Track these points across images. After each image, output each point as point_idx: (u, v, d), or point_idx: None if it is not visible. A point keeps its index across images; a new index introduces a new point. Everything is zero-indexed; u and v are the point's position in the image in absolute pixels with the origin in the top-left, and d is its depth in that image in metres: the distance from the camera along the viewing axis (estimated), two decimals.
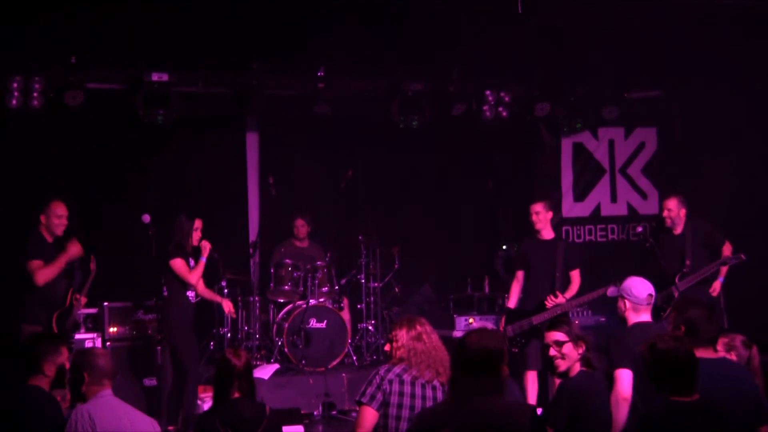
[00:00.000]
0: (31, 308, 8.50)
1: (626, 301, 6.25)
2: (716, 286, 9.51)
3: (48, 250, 8.59)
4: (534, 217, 9.56)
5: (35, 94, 9.53)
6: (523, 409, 4.40)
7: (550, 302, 9.20)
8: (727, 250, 9.54)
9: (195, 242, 9.17)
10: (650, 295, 6.25)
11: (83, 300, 8.88)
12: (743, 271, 9.51)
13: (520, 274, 9.68)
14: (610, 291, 7.56)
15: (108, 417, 5.33)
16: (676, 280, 9.39)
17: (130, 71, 10.00)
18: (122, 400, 5.57)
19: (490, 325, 6.90)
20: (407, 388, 5.55)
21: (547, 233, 9.63)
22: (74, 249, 8.66)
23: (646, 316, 6.23)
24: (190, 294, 9.13)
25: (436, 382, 5.61)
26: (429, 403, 5.50)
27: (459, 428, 4.25)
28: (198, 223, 9.20)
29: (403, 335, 5.70)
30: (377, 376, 5.61)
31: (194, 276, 9.07)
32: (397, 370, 5.62)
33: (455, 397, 4.42)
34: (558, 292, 9.30)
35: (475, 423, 4.24)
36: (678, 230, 9.69)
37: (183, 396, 8.96)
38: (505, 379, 4.42)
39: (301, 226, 11.37)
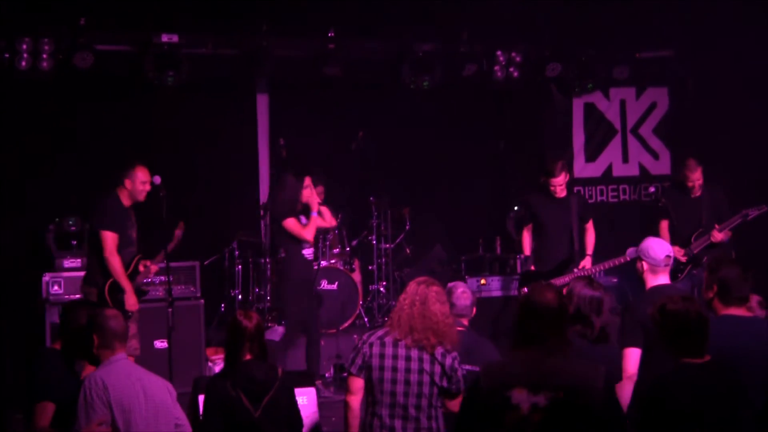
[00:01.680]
0: (91, 271, 8.31)
1: (644, 262, 6.17)
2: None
3: (124, 218, 8.32)
4: (557, 188, 9.28)
5: (44, 56, 9.45)
6: (596, 371, 4.28)
7: (577, 271, 9.02)
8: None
9: (304, 200, 9.15)
10: (668, 256, 6.15)
11: (153, 268, 8.50)
12: (756, 231, 9.47)
13: (529, 228, 9.55)
14: (629, 252, 7.48)
15: (121, 383, 5.30)
16: (693, 240, 9.35)
17: (140, 33, 9.94)
18: (136, 364, 5.59)
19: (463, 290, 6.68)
20: (389, 350, 5.45)
21: (562, 192, 9.40)
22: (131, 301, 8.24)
23: (664, 278, 6.15)
24: (306, 252, 9.13)
25: (424, 344, 5.44)
26: (415, 364, 5.39)
27: (533, 388, 4.18)
28: (307, 181, 9.17)
29: (406, 290, 5.63)
30: (360, 341, 5.60)
31: (309, 232, 9.06)
32: (379, 333, 5.56)
33: (526, 355, 4.31)
34: (582, 260, 9.24)
35: (551, 383, 4.18)
36: (697, 193, 9.59)
37: (306, 357, 9.17)
38: None
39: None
